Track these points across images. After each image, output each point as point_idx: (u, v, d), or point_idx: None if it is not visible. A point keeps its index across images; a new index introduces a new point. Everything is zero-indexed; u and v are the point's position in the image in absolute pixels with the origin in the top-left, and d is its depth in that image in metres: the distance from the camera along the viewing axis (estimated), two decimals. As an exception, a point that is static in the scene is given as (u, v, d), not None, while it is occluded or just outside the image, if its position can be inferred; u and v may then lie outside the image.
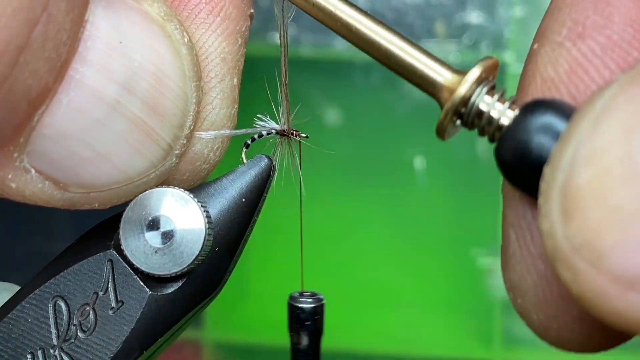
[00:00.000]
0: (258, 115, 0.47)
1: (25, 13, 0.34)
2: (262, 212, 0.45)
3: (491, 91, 0.37)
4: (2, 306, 0.42)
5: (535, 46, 0.39)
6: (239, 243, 0.44)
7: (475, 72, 0.37)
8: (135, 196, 0.41)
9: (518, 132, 0.35)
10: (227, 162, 0.45)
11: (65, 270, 0.42)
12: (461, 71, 0.38)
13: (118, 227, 0.41)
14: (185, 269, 0.41)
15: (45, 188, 0.39)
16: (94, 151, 0.38)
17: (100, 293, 0.41)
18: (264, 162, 0.45)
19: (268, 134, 0.48)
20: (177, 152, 0.41)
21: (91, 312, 0.41)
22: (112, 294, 0.41)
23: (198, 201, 0.41)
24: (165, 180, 0.41)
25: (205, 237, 0.41)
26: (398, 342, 1.30)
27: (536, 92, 0.38)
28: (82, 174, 0.39)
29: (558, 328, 0.39)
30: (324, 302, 0.49)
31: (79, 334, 0.41)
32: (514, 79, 1.23)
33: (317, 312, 0.49)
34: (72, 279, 0.42)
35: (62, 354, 0.41)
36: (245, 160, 0.45)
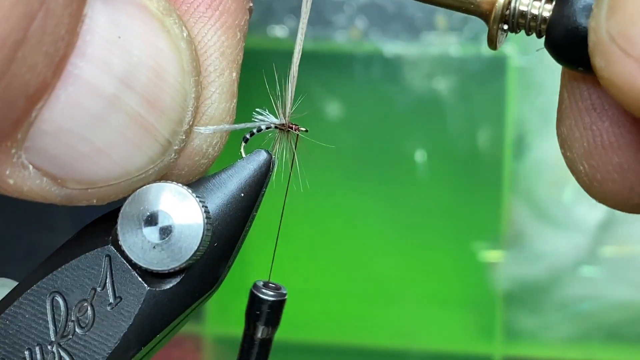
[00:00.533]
0: (257, 110, 0.47)
1: (23, 7, 0.33)
2: (262, 207, 0.45)
3: None
4: (0, 302, 0.42)
5: None
6: (237, 238, 0.44)
7: None
8: (134, 192, 0.40)
9: (565, 15, 0.41)
10: (226, 157, 0.45)
11: (62, 266, 0.41)
12: None
13: (116, 223, 0.41)
14: (184, 265, 0.41)
15: (43, 184, 0.38)
16: (93, 147, 0.38)
17: (98, 289, 0.41)
18: (263, 156, 0.44)
19: (267, 128, 0.47)
20: (176, 147, 0.40)
21: (89, 308, 0.41)
22: (110, 290, 0.41)
23: (196, 196, 0.41)
24: (163, 176, 0.41)
25: (203, 232, 0.40)
26: (399, 336, 1.30)
27: None
28: (80, 169, 0.38)
29: (601, 178, 0.45)
30: (286, 297, 0.48)
31: (77, 330, 0.41)
32: (514, 72, 1.22)
33: (277, 306, 0.48)
34: (69, 275, 0.41)
35: (59, 350, 0.41)
36: (244, 155, 0.45)
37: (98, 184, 0.39)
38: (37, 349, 0.41)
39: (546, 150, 1.25)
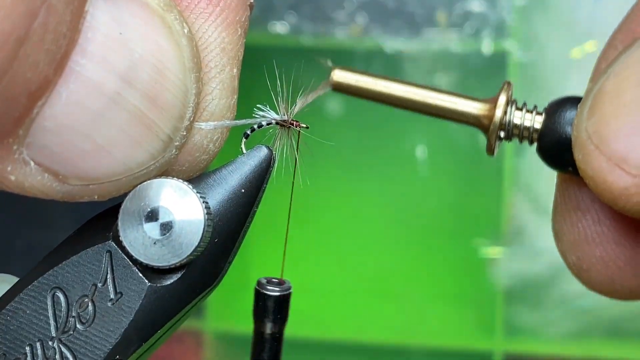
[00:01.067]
0: (258, 106, 0.47)
1: (25, 4, 0.33)
2: (263, 203, 0.45)
3: (518, 107, 0.48)
4: (1, 298, 0.42)
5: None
6: (238, 234, 0.44)
7: (503, 98, 0.48)
8: (135, 187, 0.40)
9: (553, 129, 0.47)
10: (226, 153, 0.45)
11: (63, 262, 0.41)
12: (488, 99, 0.49)
13: (116, 218, 0.41)
14: (185, 260, 0.41)
15: (45, 180, 0.38)
16: (94, 143, 0.38)
17: (99, 284, 0.41)
18: (264, 152, 0.44)
19: (268, 124, 0.47)
20: (176, 143, 0.40)
21: (90, 304, 0.41)
22: (111, 286, 0.41)
23: (197, 192, 0.41)
24: (164, 172, 0.41)
25: (204, 228, 0.40)
26: (399, 332, 1.30)
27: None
28: (81, 166, 0.38)
29: (587, 268, 0.50)
30: (291, 290, 0.48)
31: (78, 325, 0.41)
32: (515, 68, 1.22)
33: (284, 301, 0.48)
34: (70, 271, 0.41)
35: (60, 346, 0.41)
36: (244, 151, 0.45)
37: (99, 180, 0.39)
38: (38, 344, 0.41)
39: (547, 147, 1.25)
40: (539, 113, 0.48)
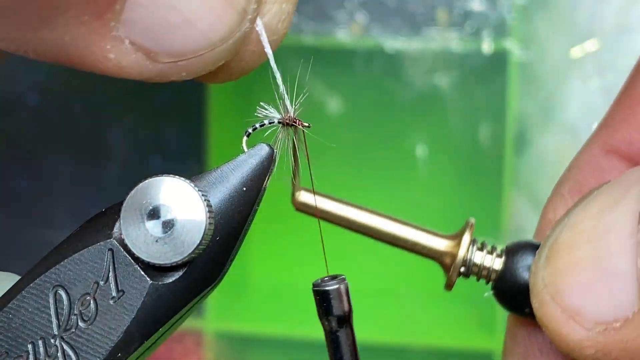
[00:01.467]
0: (261, 104, 0.47)
1: None
2: (263, 202, 0.45)
3: (479, 247, 0.51)
4: (3, 296, 0.42)
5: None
6: (239, 232, 0.44)
7: (467, 238, 0.50)
8: (217, 65, 0.42)
9: (511, 271, 0.49)
10: (227, 151, 0.45)
11: (65, 260, 0.41)
12: (452, 235, 0.51)
13: (118, 216, 0.41)
14: (186, 259, 0.41)
15: (139, 58, 0.40)
16: (181, 16, 0.40)
17: (101, 282, 0.41)
18: (265, 150, 0.44)
19: (270, 123, 0.47)
20: (250, 17, 0.42)
21: (92, 302, 0.41)
22: (113, 284, 0.41)
23: (199, 190, 0.41)
24: (238, 54, 0.43)
25: (206, 226, 0.41)
26: (400, 332, 1.30)
27: (542, 230, 0.53)
28: (170, 40, 0.40)
29: None
30: (346, 281, 0.50)
31: (80, 323, 0.41)
32: (515, 67, 1.23)
33: (343, 292, 0.50)
34: (72, 268, 0.41)
35: (62, 344, 0.41)
36: (246, 149, 0.45)
37: (187, 55, 0.41)
38: (40, 342, 0.41)
39: (547, 146, 1.25)
40: (498, 255, 0.50)
